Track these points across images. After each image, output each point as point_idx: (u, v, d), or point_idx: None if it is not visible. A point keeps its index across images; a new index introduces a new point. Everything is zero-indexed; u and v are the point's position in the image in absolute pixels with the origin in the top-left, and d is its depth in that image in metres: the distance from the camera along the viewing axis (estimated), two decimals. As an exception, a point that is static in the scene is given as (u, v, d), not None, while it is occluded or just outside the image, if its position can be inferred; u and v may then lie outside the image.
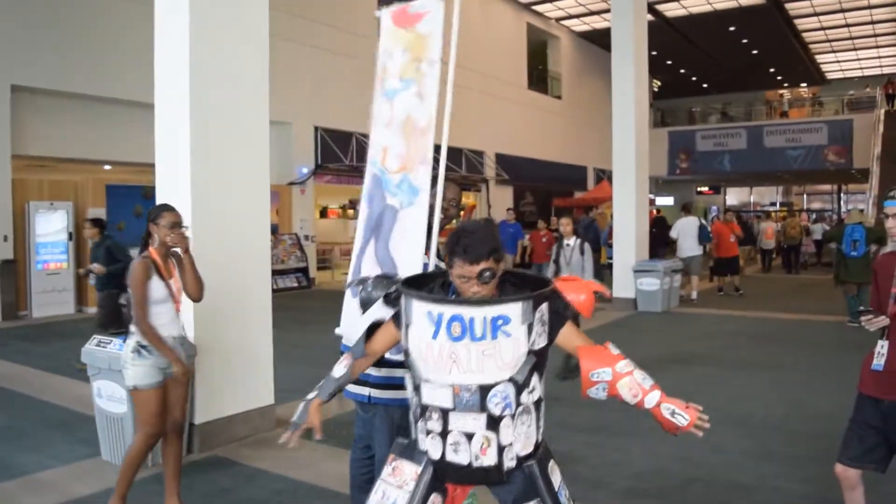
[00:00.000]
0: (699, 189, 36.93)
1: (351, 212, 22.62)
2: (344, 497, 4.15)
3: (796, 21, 25.73)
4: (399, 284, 2.57)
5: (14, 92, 12.05)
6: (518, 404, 2.33)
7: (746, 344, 9.30)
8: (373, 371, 3.13)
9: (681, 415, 2.35)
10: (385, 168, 3.36)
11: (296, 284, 15.98)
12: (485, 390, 2.30)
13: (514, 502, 2.44)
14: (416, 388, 2.42)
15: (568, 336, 2.46)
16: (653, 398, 2.38)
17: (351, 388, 3.23)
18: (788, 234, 20.23)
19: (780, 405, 6.23)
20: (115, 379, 4.55)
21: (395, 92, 3.35)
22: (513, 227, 16.04)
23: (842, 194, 37.22)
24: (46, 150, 12.88)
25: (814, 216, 30.73)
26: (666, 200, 33.88)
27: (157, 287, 3.80)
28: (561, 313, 2.44)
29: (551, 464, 2.50)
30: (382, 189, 3.34)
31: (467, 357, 2.29)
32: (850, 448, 3.18)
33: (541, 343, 2.37)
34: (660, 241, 14.93)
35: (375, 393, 3.16)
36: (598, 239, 17.47)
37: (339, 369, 2.62)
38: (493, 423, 2.31)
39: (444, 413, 2.34)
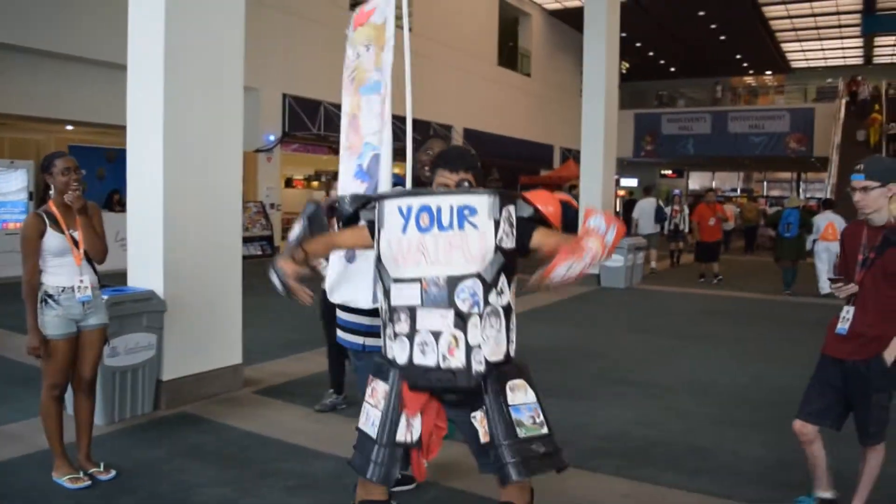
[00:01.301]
0: (662, 172, 37.27)
1: (316, 183, 22.47)
2: (311, 452, 4.23)
3: (764, 8, 25.99)
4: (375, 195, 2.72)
5: (-25, 46, 11.68)
6: (486, 303, 2.34)
7: (707, 319, 9.51)
8: (365, 321, 3.29)
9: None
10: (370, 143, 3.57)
11: (260, 252, 15.83)
12: (452, 284, 2.33)
13: (467, 407, 2.47)
14: (386, 293, 2.44)
15: (543, 238, 2.50)
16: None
17: (346, 337, 3.39)
18: (746, 217, 21.21)
19: (741, 376, 6.40)
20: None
21: (378, 84, 3.56)
22: None
23: (801, 182, 37.92)
24: (7, 107, 12.50)
25: (772, 202, 31.41)
26: (630, 182, 34.22)
27: (53, 240, 3.66)
28: (530, 218, 2.51)
29: (517, 381, 2.47)
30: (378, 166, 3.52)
31: (434, 248, 2.37)
32: (810, 404, 3.31)
33: (508, 244, 2.41)
34: (630, 222, 15.24)
35: (369, 341, 3.34)
36: (576, 214, 17.73)
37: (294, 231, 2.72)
38: (461, 321, 2.31)
39: (412, 311, 2.36)
